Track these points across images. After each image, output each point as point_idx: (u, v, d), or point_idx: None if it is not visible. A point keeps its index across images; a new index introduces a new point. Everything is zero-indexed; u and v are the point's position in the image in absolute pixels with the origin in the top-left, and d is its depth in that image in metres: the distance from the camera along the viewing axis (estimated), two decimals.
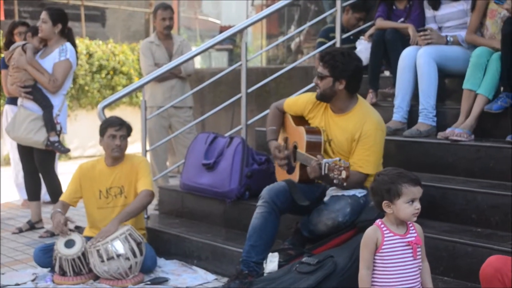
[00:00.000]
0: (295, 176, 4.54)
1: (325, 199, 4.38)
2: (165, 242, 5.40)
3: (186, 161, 5.75)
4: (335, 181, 3.98)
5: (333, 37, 6.35)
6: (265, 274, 4.17)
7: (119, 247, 4.75)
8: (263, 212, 4.33)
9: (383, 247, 3.26)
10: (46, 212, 6.47)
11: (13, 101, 7.00)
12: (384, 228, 3.30)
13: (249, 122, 6.01)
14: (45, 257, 4.99)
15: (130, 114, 11.64)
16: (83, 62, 12.34)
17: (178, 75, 6.94)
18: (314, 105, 4.64)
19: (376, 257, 3.28)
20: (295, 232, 4.55)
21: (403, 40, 5.59)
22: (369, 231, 3.32)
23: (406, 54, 5.43)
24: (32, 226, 6.48)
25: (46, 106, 6.16)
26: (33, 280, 4.92)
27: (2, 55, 6.83)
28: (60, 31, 6.28)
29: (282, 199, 4.34)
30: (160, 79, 6.72)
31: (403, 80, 5.41)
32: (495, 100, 4.92)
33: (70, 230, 4.94)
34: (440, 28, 5.64)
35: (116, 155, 5.13)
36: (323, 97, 4.51)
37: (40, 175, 6.37)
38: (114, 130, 5.11)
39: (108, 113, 5.74)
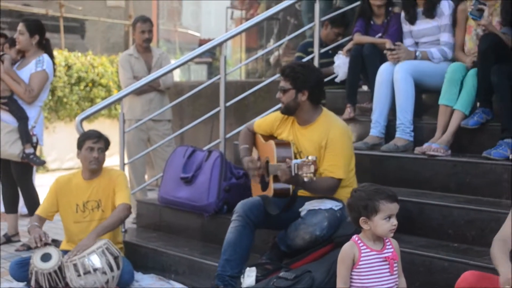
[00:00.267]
0: (270, 190, 4.56)
1: (302, 213, 4.39)
2: (143, 256, 5.37)
3: (164, 175, 5.74)
4: (305, 179, 4.01)
5: (312, 52, 6.39)
6: None
7: (96, 261, 4.72)
8: (237, 226, 4.35)
9: (360, 263, 3.27)
10: (23, 225, 6.42)
11: None
12: (361, 244, 3.31)
13: (228, 135, 6.02)
14: (21, 271, 4.95)
15: (109, 127, 11.59)
16: (61, 74, 12.28)
17: (157, 88, 6.92)
18: (281, 122, 4.71)
19: (353, 273, 3.29)
20: (272, 247, 4.56)
21: (381, 55, 5.63)
22: (346, 247, 3.33)
23: (384, 69, 5.47)
24: (8, 239, 6.42)
25: (21, 118, 6.12)
26: None
27: None
28: (37, 42, 6.26)
29: (256, 213, 4.37)
30: (139, 92, 6.70)
31: (381, 95, 5.45)
32: (472, 116, 4.97)
33: (47, 244, 4.91)
34: (417, 43, 5.69)
35: (94, 168, 5.11)
36: (288, 110, 4.58)
37: (18, 188, 6.33)
38: (92, 143, 5.10)
39: (87, 126, 5.73)
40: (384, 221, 3.26)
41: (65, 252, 4.94)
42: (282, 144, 4.56)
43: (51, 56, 6.34)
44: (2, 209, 6.92)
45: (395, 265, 3.31)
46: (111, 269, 4.75)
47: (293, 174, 4.12)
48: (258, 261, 4.47)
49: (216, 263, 4.50)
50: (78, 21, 16.37)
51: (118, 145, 6.05)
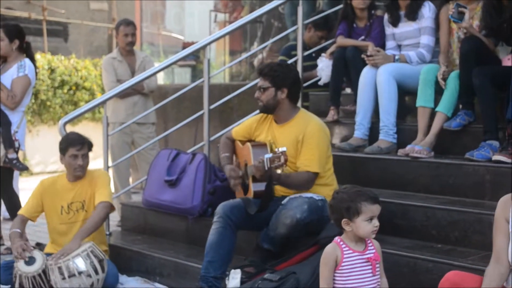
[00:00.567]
0: (250, 192, 4.60)
1: (283, 202, 4.42)
2: (127, 259, 5.37)
3: (148, 178, 5.74)
4: (278, 170, 4.08)
5: (295, 55, 6.40)
6: None
7: (80, 264, 4.71)
8: (218, 228, 4.40)
9: (343, 264, 3.30)
10: (6, 229, 6.38)
11: None
12: (343, 245, 3.34)
13: (212, 138, 6.02)
14: (5, 274, 4.93)
15: (93, 130, 11.56)
16: (45, 77, 12.24)
17: (141, 91, 6.92)
18: (259, 123, 4.79)
19: (336, 274, 3.32)
20: (255, 249, 4.57)
21: (364, 58, 5.66)
22: (328, 248, 3.36)
23: (367, 72, 5.50)
24: None
25: (4, 123, 6.08)
26: None
27: None
28: (18, 47, 6.22)
29: (237, 214, 4.42)
30: (123, 95, 6.70)
31: (364, 98, 5.48)
32: (454, 118, 5.01)
33: (32, 247, 4.90)
34: (399, 46, 5.73)
35: (79, 175, 5.11)
36: (267, 109, 4.65)
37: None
38: (76, 150, 5.06)
39: (70, 129, 5.70)
40: (366, 222, 3.29)
41: (49, 255, 4.92)
42: (258, 145, 4.64)
43: (33, 60, 6.31)
44: None
45: (377, 266, 3.34)
46: (96, 272, 4.74)
47: (266, 168, 4.17)
48: (243, 263, 4.48)
49: (200, 265, 4.51)
50: (61, 24, 16.32)
51: (102, 148, 6.03)
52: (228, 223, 4.40)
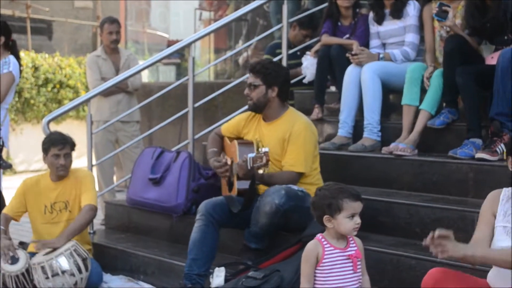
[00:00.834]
0: (234, 189, 4.60)
1: (260, 171, 4.39)
2: (112, 257, 5.35)
3: (132, 176, 5.72)
4: (260, 170, 4.08)
5: (280, 53, 6.41)
6: None
7: (64, 263, 4.69)
8: (201, 226, 4.41)
9: (324, 260, 3.31)
10: None
11: None
12: (325, 242, 3.35)
13: (196, 136, 6.02)
14: None
15: (77, 128, 11.53)
16: (28, 75, 12.18)
17: (125, 89, 6.90)
18: (247, 121, 4.79)
19: (317, 271, 3.33)
20: (243, 250, 4.56)
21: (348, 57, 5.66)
22: (310, 245, 3.37)
23: (351, 70, 5.52)
24: None
25: None
26: None
27: None
28: (3, 44, 6.18)
29: (219, 212, 4.43)
30: (107, 93, 6.68)
31: (348, 96, 5.49)
32: (438, 116, 5.03)
33: (16, 246, 4.87)
34: (384, 45, 5.74)
35: (61, 174, 5.08)
36: (256, 107, 4.65)
37: None
38: (58, 150, 5.03)
39: (54, 127, 5.69)
40: (347, 219, 3.30)
41: (32, 254, 4.90)
42: (245, 143, 4.64)
43: (18, 58, 6.27)
44: None
45: (358, 263, 3.35)
46: (80, 271, 4.72)
47: (249, 167, 4.17)
48: (227, 261, 4.48)
49: (185, 263, 4.50)
50: (45, 22, 16.24)
51: (86, 147, 6.01)
52: (211, 220, 4.40)
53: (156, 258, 5.05)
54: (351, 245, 3.37)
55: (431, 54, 5.33)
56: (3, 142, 6.12)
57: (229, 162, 4.68)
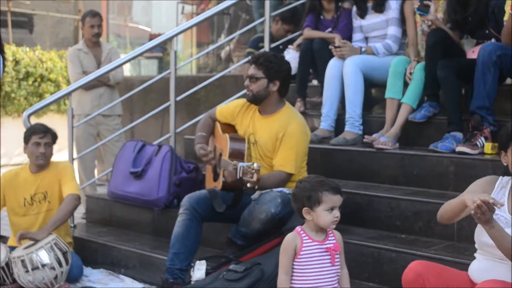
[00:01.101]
0: (219, 183, 4.57)
1: (253, 196, 4.37)
2: (92, 251, 5.33)
3: (114, 169, 5.70)
4: (248, 184, 4.00)
5: (262, 47, 6.40)
6: (192, 282, 4.17)
7: (44, 256, 4.66)
8: (184, 220, 4.37)
9: (302, 253, 3.32)
10: None
11: None
12: (303, 235, 3.36)
13: (178, 130, 6.00)
14: None
15: (58, 122, 11.44)
16: (9, 69, 12.08)
17: (107, 83, 6.87)
18: (242, 108, 4.69)
19: (294, 263, 3.34)
20: (228, 245, 4.53)
21: (331, 50, 5.67)
22: (289, 237, 3.38)
23: (333, 64, 5.52)
24: None
25: None
26: None
27: None
28: None
29: (203, 206, 4.39)
30: (88, 87, 6.65)
31: (330, 89, 5.50)
32: (419, 110, 5.05)
33: None
34: (366, 38, 5.75)
35: (41, 163, 5.06)
36: (255, 99, 4.56)
37: None
38: (38, 138, 5.04)
39: (35, 121, 5.65)
40: (326, 212, 3.30)
41: (12, 248, 4.87)
42: (237, 139, 4.57)
43: (1, 51, 6.21)
44: None
45: (336, 256, 3.36)
46: (60, 265, 4.70)
47: (237, 177, 4.10)
48: (209, 255, 4.47)
49: (166, 257, 4.49)
50: (26, 15, 16.13)
51: (67, 140, 5.98)
52: (194, 215, 4.37)
53: (138, 251, 5.04)
54: (329, 238, 3.37)
55: (413, 48, 5.35)
56: None
57: (217, 152, 4.63)
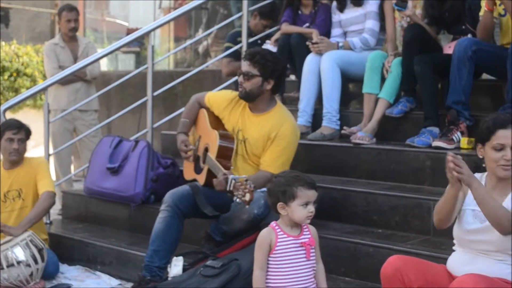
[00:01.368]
0: (202, 178, 4.52)
1: (236, 200, 4.31)
2: (68, 247, 5.29)
3: (90, 165, 5.67)
4: (237, 200, 3.91)
5: (240, 42, 6.38)
6: (169, 278, 4.15)
7: (19, 253, 4.62)
8: (166, 217, 4.31)
9: (276, 248, 3.32)
10: None
11: None
12: (278, 230, 3.35)
13: (156, 125, 5.97)
14: None
15: (34, 117, 11.33)
16: None
17: (83, 77, 6.83)
18: (231, 103, 4.61)
19: (270, 258, 3.33)
20: (206, 240, 4.51)
21: (308, 45, 5.66)
22: (263, 232, 3.38)
23: (311, 59, 5.52)
24: None
25: None
26: None
27: None
28: None
29: (186, 204, 4.33)
30: (65, 82, 6.61)
31: (308, 85, 5.50)
32: (396, 105, 5.07)
33: None
34: (345, 33, 5.76)
35: (14, 159, 5.02)
36: (248, 96, 4.48)
37: None
38: (12, 134, 4.99)
39: (11, 116, 5.60)
40: (301, 207, 3.30)
41: None
42: (226, 138, 4.49)
43: None
44: None
45: (311, 251, 3.36)
46: (35, 262, 4.66)
47: (227, 189, 4.01)
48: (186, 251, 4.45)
49: (143, 253, 4.47)
50: (2, 9, 15.94)
51: (43, 136, 5.93)
52: (177, 212, 4.31)
53: (114, 248, 5.01)
54: (304, 233, 3.37)
55: (392, 44, 5.37)
56: None
57: (201, 145, 4.58)
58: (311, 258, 3.35)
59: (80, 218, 5.79)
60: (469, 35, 4.96)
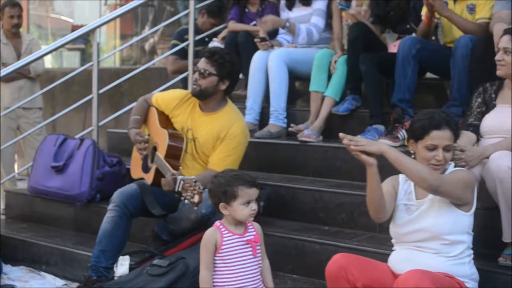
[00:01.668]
0: (149, 178, 4.49)
1: (185, 201, 4.29)
2: (12, 248, 5.19)
3: (34, 164, 5.57)
4: (186, 201, 3.90)
5: (187, 39, 6.35)
6: (115, 278, 4.11)
7: None
8: (114, 217, 4.26)
9: (222, 247, 3.31)
10: None
11: None
12: (223, 229, 3.35)
13: (101, 123, 5.90)
14: None
15: None
16: None
17: (27, 75, 6.75)
18: (181, 102, 4.59)
19: (216, 258, 3.33)
20: (153, 239, 4.48)
21: (255, 43, 5.67)
22: (208, 232, 3.37)
23: (258, 57, 5.53)
24: None
25: None
26: None
27: None
28: None
29: (134, 203, 4.29)
30: (8, 79, 6.50)
31: (255, 82, 5.51)
32: (342, 103, 5.11)
33: None
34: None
35: None
36: (201, 94, 4.45)
37: None
38: None
39: None
40: (243, 206, 3.30)
41: None
42: (176, 138, 4.45)
43: None
44: None
45: (257, 247, 3.36)
46: None
47: (176, 189, 3.98)
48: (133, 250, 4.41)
49: (89, 252, 4.42)
50: None
51: None
52: (125, 212, 4.26)
53: (59, 247, 4.93)
54: (249, 230, 3.38)
55: (338, 42, 5.41)
56: None
57: (150, 144, 4.54)
58: (258, 255, 3.36)
59: (24, 218, 5.69)
60: (414, 34, 5.03)
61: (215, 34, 6.47)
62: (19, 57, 6.77)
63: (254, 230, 3.39)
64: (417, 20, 5.05)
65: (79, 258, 4.73)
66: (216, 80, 4.41)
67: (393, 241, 3.40)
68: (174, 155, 4.39)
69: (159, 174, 4.32)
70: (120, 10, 6.44)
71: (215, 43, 6.15)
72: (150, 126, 4.73)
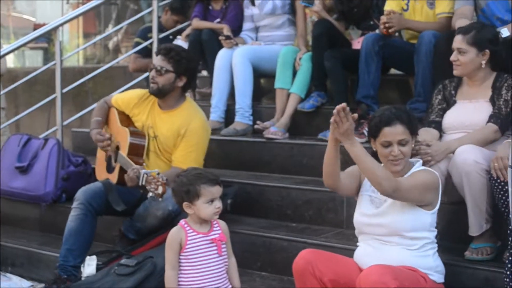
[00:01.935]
0: (114, 177, 4.47)
1: (149, 194, 4.30)
2: None
3: None
4: (150, 194, 3.92)
5: (151, 37, 6.32)
6: (83, 278, 4.08)
7: None
8: (79, 215, 4.24)
9: (187, 246, 3.32)
10: None
11: None
12: (188, 228, 3.35)
13: (65, 123, 5.86)
14: None
15: None
16: None
17: None
18: (140, 100, 4.60)
19: (181, 257, 3.33)
20: (120, 238, 4.46)
21: (219, 40, 5.67)
22: (173, 231, 3.37)
23: (222, 55, 5.53)
24: None
25: None
26: None
27: None
28: None
29: (99, 201, 4.28)
30: None
31: (220, 80, 5.50)
32: (307, 99, 5.13)
33: None
34: (257, 28, 5.79)
35: None
36: (159, 92, 4.47)
37: None
38: None
39: None
40: (206, 204, 3.30)
41: None
42: (137, 135, 4.46)
43: None
44: None
45: (223, 246, 3.37)
46: None
47: (139, 184, 4.00)
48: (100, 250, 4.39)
49: (55, 253, 4.39)
50: None
51: None
52: (89, 209, 4.24)
53: (25, 249, 4.88)
54: (214, 229, 3.38)
55: (302, 39, 5.43)
56: None
57: (113, 144, 4.52)
58: (223, 253, 3.36)
59: None
60: (377, 31, 5.06)
61: (179, 32, 6.44)
62: None
63: (220, 229, 3.39)
64: (380, 16, 5.09)
65: (45, 258, 4.69)
66: (173, 77, 4.43)
67: (356, 232, 3.42)
68: (136, 152, 4.39)
69: (123, 173, 4.30)
70: (83, 8, 6.39)
71: (179, 41, 6.12)
72: (111, 127, 4.72)
